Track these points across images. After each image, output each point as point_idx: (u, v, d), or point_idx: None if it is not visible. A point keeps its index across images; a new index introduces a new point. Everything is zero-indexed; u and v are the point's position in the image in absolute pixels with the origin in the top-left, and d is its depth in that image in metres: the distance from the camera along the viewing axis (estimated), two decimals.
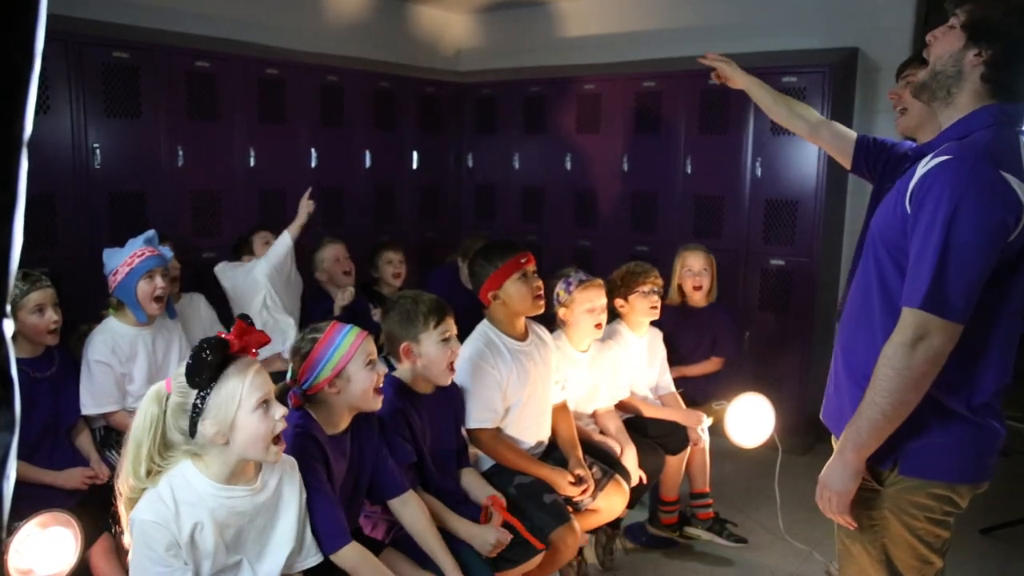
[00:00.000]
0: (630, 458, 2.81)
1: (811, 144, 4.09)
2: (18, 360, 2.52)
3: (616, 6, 5.23)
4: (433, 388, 2.29)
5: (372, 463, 2.04)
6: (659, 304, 3.18)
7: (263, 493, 1.70)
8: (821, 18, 4.38)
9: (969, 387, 1.56)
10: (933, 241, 1.45)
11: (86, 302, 3.21)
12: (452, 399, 2.38)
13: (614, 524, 3.08)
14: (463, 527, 2.15)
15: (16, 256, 0.76)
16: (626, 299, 3.14)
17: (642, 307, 3.13)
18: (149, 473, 1.62)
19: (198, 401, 1.58)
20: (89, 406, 2.67)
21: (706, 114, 4.48)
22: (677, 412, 3.21)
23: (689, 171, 4.56)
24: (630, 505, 3.03)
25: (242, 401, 1.58)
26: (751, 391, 3.24)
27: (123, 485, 1.63)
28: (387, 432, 2.08)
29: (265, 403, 1.62)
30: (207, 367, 1.56)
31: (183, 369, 1.57)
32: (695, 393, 3.56)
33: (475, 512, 2.22)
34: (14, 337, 2.52)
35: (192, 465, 1.63)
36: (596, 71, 5.06)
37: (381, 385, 1.99)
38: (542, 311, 2.59)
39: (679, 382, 3.51)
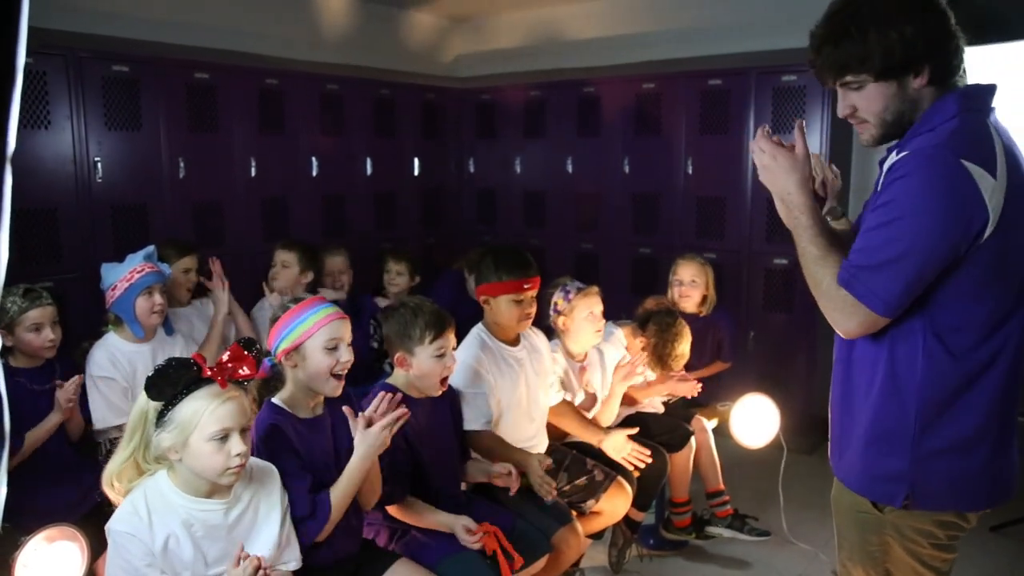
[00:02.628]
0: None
1: (812, 145, 4.09)
2: (19, 372, 2.56)
3: (614, 8, 5.23)
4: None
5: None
6: None
7: (238, 506, 1.69)
8: (819, 16, 4.36)
9: (981, 413, 1.48)
10: (880, 226, 1.42)
11: (89, 316, 3.22)
12: (449, 402, 2.37)
13: (632, 527, 3.08)
14: (441, 516, 2.14)
15: (2, 273, 0.76)
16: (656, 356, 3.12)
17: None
18: (129, 474, 1.63)
19: (164, 409, 1.59)
20: (109, 419, 2.66)
21: (706, 115, 4.47)
22: (665, 385, 3.19)
23: (690, 172, 4.56)
24: (643, 507, 3.03)
25: (199, 426, 1.58)
26: (755, 392, 3.24)
27: (105, 485, 1.65)
28: None
29: (224, 436, 1.59)
30: (167, 383, 1.57)
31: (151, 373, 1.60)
32: (700, 394, 3.54)
33: (475, 516, 2.20)
34: (12, 350, 2.52)
35: (167, 477, 1.64)
36: (595, 74, 5.07)
37: (341, 372, 1.96)
38: (522, 330, 2.62)
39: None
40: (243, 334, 3.44)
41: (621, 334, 3.21)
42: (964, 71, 1.52)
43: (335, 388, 1.97)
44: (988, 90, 1.51)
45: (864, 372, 1.56)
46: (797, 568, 3.15)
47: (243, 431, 1.64)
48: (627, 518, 3.01)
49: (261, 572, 1.54)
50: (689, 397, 3.25)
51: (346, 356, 1.96)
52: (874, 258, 1.42)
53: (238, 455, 1.60)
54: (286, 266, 3.68)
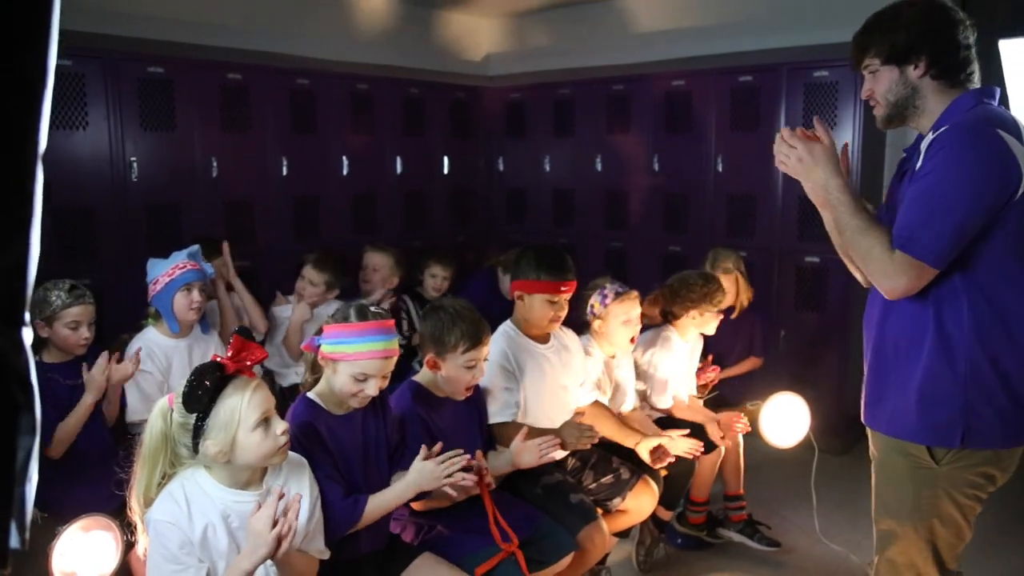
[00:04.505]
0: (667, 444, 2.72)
1: (844, 140, 4.04)
2: (51, 367, 2.61)
3: (643, 6, 5.20)
4: None
5: (385, 444, 2.04)
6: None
7: (270, 495, 1.72)
8: (851, 10, 4.29)
9: (1020, 354, 1.69)
10: (928, 188, 1.63)
11: (125, 313, 3.29)
12: (474, 400, 2.38)
13: (659, 526, 3.07)
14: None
15: (33, 267, 0.78)
16: (702, 313, 3.09)
17: (711, 323, 3.13)
18: (162, 485, 1.66)
19: (199, 422, 1.61)
20: (141, 411, 2.70)
21: (736, 112, 4.43)
22: (707, 415, 3.17)
23: (720, 169, 4.52)
24: (670, 507, 3.02)
25: (241, 420, 1.61)
26: (787, 391, 3.20)
27: (134, 502, 1.68)
28: (405, 435, 2.09)
29: (266, 420, 1.64)
30: (204, 392, 1.60)
31: (183, 389, 1.60)
32: (730, 393, 3.53)
33: (501, 512, 2.21)
34: (46, 343, 2.58)
35: (204, 471, 1.68)
36: (624, 71, 5.05)
37: (362, 403, 1.97)
38: (551, 330, 2.63)
39: (716, 384, 3.48)
40: (257, 328, 3.47)
41: (675, 337, 3.18)
42: (972, 73, 1.76)
43: (356, 405, 1.99)
44: (994, 90, 1.76)
45: (908, 334, 1.74)
46: (828, 569, 3.11)
47: (275, 411, 1.70)
48: (655, 517, 3.01)
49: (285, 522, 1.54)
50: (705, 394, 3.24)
51: (372, 391, 1.95)
52: (924, 217, 1.62)
53: (283, 433, 1.67)
54: (376, 270, 3.79)
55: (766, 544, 3.21)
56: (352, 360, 1.91)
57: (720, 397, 3.47)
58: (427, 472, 1.87)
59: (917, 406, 1.73)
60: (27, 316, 0.78)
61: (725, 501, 3.29)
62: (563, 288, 2.52)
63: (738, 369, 3.55)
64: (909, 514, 1.77)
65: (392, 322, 2.02)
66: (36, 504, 2.44)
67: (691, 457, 2.70)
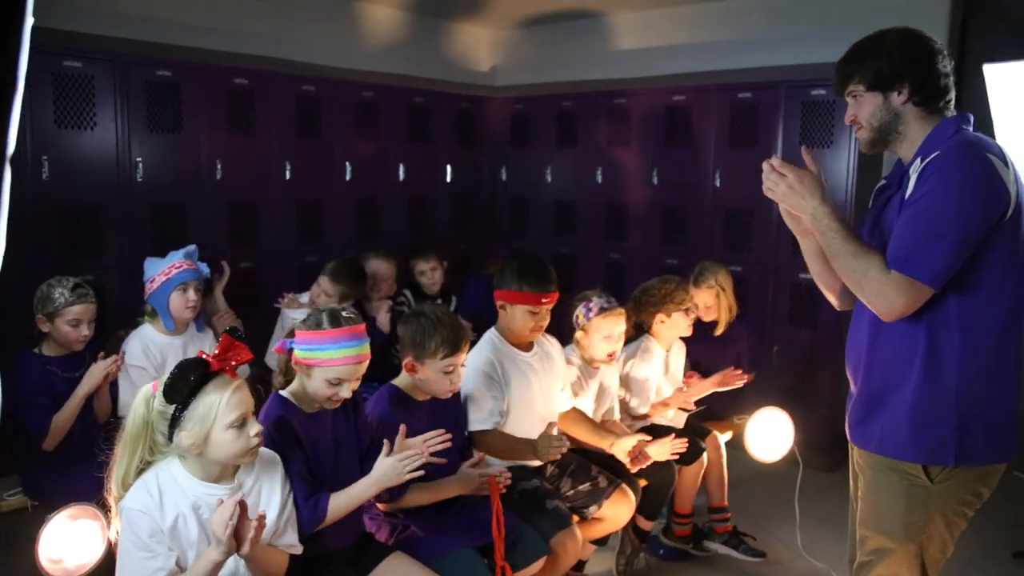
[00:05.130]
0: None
1: (840, 159, 4.09)
2: (50, 360, 2.69)
3: (648, 21, 5.25)
4: (431, 396, 2.35)
5: (356, 444, 2.09)
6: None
7: (241, 491, 1.77)
8: (848, 31, 4.32)
9: (1010, 374, 1.75)
10: (923, 211, 1.67)
11: (126, 309, 3.36)
12: (452, 405, 2.42)
13: (641, 536, 3.10)
14: (445, 484, 2.24)
15: None
16: (669, 315, 3.15)
17: (682, 324, 3.18)
18: (140, 472, 1.72)
19: (176, 412, 1.67)
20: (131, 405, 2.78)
21: (735, 128, 4.47)
22: (675, 399, 3.21)
23: (718, 184, 4.56)
24: (651, 517, 3.05)
25: (217, 418, 1.67)
26: (773, 406, 3.23)
27: (112, 484, 1.74)
28: (381, 438, 2.14)
29: (242, 421, 1.70)
30: (185, 385, 1.66)
31: (166, 379, 1.67)
32: (719, 407, 3.54)
33: (474, 523, 2.26)
34: (47, 337, 2.66)
35: (178, 462, 1.74)
36: (627, 85, 5.10)
37: (334, 405, 2.03)
38: (533, 339, 2.67)
39: (703, 397, 3.51)
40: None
41: (656, 347, 3.23)
42: (950, 101, 1.83)
43: (329, 407, 2.04)
44: (969, 117, 1.83)
45: (900, 355, 1.78)
46: None
47: (253, 413, 1.75)
48: (636, 527, 3.04)
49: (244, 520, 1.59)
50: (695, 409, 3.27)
51: (345, 393, 2.01)
52: (920, 239, 1.66)
53: (256, 435, 1.72)
54: (384, 279, 3.86)
55: (751, 555, 3.23)
56: (326, 366, 1.96)
57: (708, 411, 3.49)
58: (387, 468, 1.94)
59: (909, 425, 1.77)
60: None
61: (710, 513, 3.32)
62: (544, 300, 2.55)
63: (726, 383, 3.56)
64: (902, 531, 1.81)
65: (363, 327, 2.06)
66: (26, 493, 2.53)
67: (673, 458, 2.71)
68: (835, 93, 1.95)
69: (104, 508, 2.18)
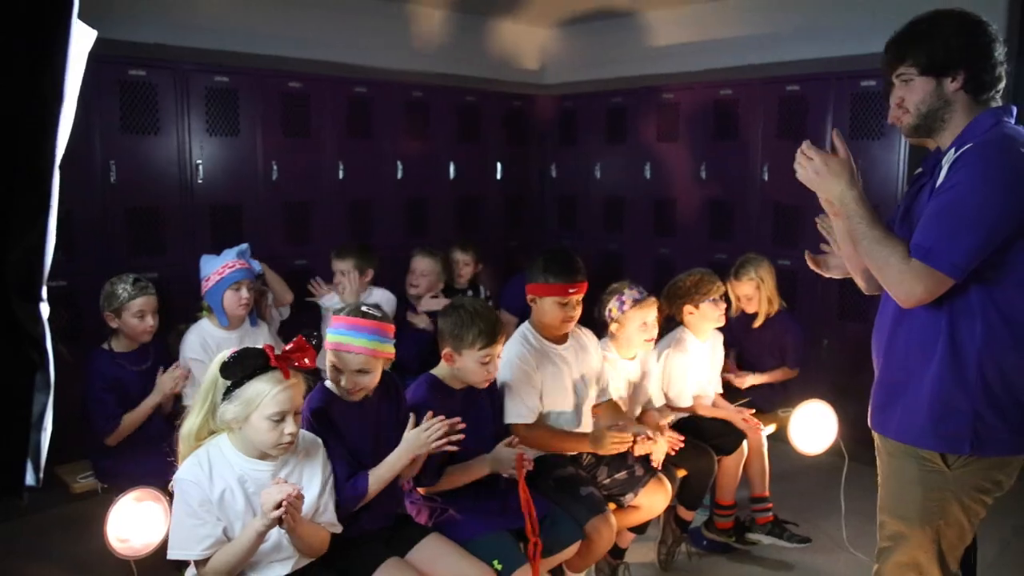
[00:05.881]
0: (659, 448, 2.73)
1: (891, 150, 4.03)
2: (118, 355, 2.87)
3: (694, 15, 5.23)
4: (467, 385, 2.42)
5: (396, 430, 2.18)
6: (725, 311, 3.24)
7: (284, 469, 1.90)
8: (900, 20, 4.25)
9: None
10: (950, 202, 1.66)
11: (187, 304, 3.53)
12: (490, 393, 2.49)
13: (682, 526, 3.12)
14: (476, 464, 2.33)
15: (50, 252, 0.93)
16: (697, 306, 3.18)
17: (712, 314, 3.20)
18: (201, 433, 1.85)
19: (230, 386, 1.80)
20: (192, 397, 2.95)
21: (784, 120, 4.44)
22: (729, 412, 3.23)
23: (766, 178, 4.53)
24: (692, 507, 3.07)
25: (260, 407, 1.79)
26: (818, 399, 3.22)
27: (181, 443, 1.88)
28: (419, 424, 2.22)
29: (280, 417, 1.81)
30: (240, 370, 1.79)
31: (231, 355, 1.82)
32: (762, 401, 3.54)
33: (508, 507, 2.33)
34: (116, 333, 2.86)
35: (227, 439, 1.87)
36: (674, 80, 5.10)
37: (358, 396, 2.15)
38: (565, 331, 2.69)
39: (748, 390, 3.51)
40: (280, 299, 3.53)
41: (690, 337, 3.26)
42: (998, 92, 1.79)
43: (357, 399, 2.16)
44: (1012, 109, 1.80)
45: (920, 342, 1.79)
46: None
47: (296, 413, 1.86)
48: (677, 517, 3.07)
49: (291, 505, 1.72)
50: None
51: (369, 383, 2.13)
52: (945, 230, 1.66)
53: (290, 434, 1.83)
54: (424, 274, 3.89)
55: (796, 541, 3.22)
56: (355, 353, 2.10)
57: (752, 404, 3.49)
58: (413, 437, 2.09)
59: (927, 413, 1.77)
60: (44, 293, 0.94)
61: (751, 503, 3.32)
62: (571, 290, 2.58)
63: (769, 377, 3.56)
64: (917, 516, 1.82)
65: (387, 326, 2.18)
66: (97, 476, 2.70)
67: (672, 452, 2.72)
68: (882, 74, 1.90)
69: (168, 494, 2.35)
